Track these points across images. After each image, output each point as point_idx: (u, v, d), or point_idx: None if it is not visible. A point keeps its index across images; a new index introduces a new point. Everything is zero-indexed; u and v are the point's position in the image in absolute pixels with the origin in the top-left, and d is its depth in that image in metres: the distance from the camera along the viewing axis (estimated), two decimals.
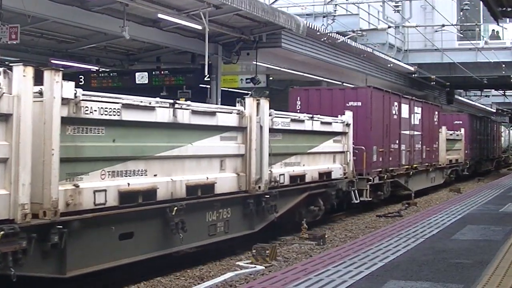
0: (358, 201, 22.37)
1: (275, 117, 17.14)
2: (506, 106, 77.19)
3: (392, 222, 19.40)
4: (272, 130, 16.71)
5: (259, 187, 15.90)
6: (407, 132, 29.07)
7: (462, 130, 42.68)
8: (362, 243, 13.20)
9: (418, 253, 11.93)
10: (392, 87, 37.78)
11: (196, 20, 22.60)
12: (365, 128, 23.91)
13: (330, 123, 20.77)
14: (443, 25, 36.38)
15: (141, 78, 25.59)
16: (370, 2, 38.04)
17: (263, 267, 13.71)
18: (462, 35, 45.50)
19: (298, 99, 24.73)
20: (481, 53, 43.04)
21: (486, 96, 67.38)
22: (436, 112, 35.49)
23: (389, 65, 40.35)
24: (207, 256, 15.06)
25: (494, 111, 77.57)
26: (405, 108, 28.70)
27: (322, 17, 34.50)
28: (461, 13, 43.09)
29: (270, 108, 16.57)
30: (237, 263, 14.44)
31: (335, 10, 35.09)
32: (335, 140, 21.06)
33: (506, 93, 63.23)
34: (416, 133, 30.58)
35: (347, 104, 23.89)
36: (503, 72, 43.70)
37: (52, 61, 26.43)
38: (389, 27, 37.60)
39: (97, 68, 28.83)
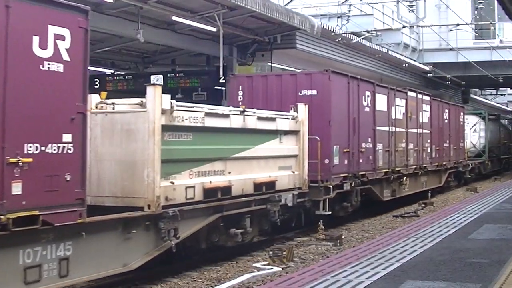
0: None
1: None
2: None
3: (409, 222, 19.37)
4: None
5: None
6: None
7: (302, 109, 18.02)
8: (379, 243, 13.18)
9: (435, 253, 11.90)
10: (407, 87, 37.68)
11: (210, 22, 22.65)
12: None
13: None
14: (458, 24, 36.20)
15: (156, 80, 25.68)
16: (384, 2, 37.92)
17: (280, 269, 13.73)
18: (477, 34, 45.33)
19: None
20: (496, 51, 42.87)
21: (501, 94, 67.17)
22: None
23: (404, 65, 40.26)
24: (224, 258, 15.10)
25: (511, 110, 77.24)
26: None
27: (336, 17, 34.46)
28: (476, 12, 42.86)
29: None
30: (254, 264, 14.46)
31: (349, 11, 35.00)
32: None
33: None
34: None
35: None
36: None
37: None
38: (404, 27, 37.49)
39: (112, 71, 28.96)
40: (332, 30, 29.90)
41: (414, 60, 42.56)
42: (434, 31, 41.58)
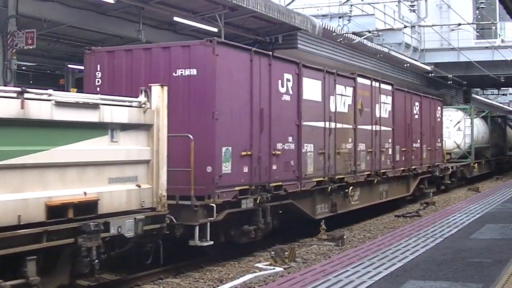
0: None
1: None
2: None
3: (411, 222, 19.34)
4: None
5: None
6: None
7: (157, 92, 12.10)
8: (380, 243, 13.17)
9: (437, 252, 11.89)
10: (409, 87, 37.74)
11: (211, 22, 22.67)
12: None
13: None
14: (459, 24, 36.22)
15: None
16: (385, 2, 37.95)
17: (282, 269, 13.71)
18: (478, 34, 45.34)
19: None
20: (498, 51, 42.88)
21: (503, 94, 67.20)
22: None
23: (405, 65, 40.27)
24: (226, 258, 15.09)
25: None
26: None
27: (337, 17, 34.53)
28: (477, 11, 42.90)
29: None
30: (256, 264, 14.44)
31: (350, 11, 35.07)
32: None
33: None
34: None
35: None
36: None
37: (69, 66, 26.57)
38: (405, 26, 37.53)
39: None
40: (333, 30, 29.91)
41: (416, 60, 42.58)
42: (436, 31, 41.59)
